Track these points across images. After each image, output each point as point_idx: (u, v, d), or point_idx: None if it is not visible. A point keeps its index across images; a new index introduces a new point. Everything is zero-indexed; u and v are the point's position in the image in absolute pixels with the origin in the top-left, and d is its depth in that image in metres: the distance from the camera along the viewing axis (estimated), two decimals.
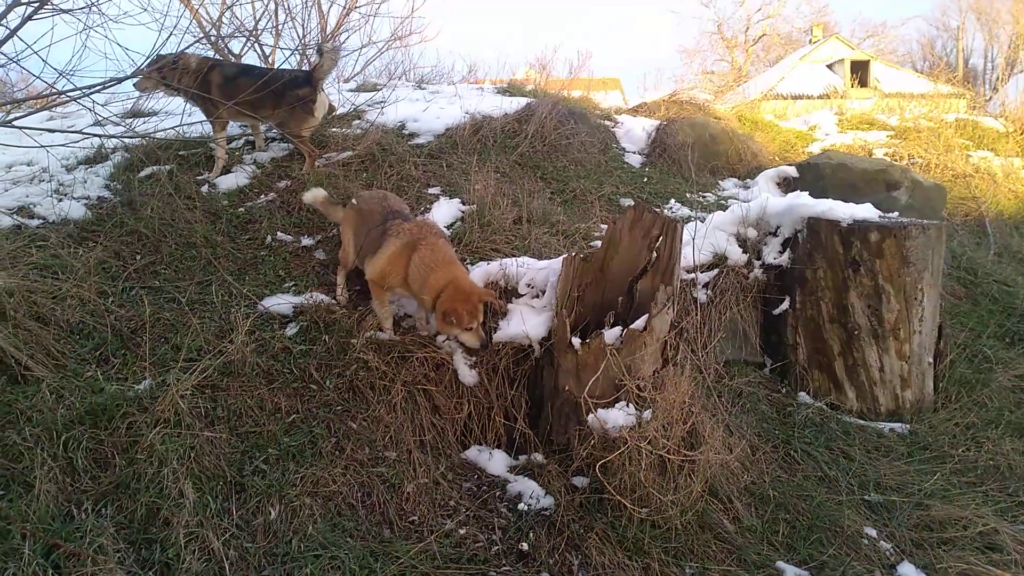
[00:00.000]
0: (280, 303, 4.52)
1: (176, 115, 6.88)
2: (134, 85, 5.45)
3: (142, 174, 5.84)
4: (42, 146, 4.18)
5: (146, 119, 7.31)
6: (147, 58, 4.93)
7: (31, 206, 5.19)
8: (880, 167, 7.90)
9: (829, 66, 35.93)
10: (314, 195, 5.16)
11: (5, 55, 4.10)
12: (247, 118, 5.99)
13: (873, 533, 3.96)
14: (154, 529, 3.04)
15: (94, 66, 4.84)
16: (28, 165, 6.05)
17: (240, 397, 3.77)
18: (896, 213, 5.81)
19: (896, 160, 9.35)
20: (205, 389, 3.73)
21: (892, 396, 5.03)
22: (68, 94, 4.13)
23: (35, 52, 3.99)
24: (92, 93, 4.20)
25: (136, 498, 3.10)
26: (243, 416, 3.71)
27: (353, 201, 4.82)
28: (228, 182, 5.90)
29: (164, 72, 5.44)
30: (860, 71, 33.67)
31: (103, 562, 2.77)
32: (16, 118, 4.23)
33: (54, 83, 4.12)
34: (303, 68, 7.72)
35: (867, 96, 17.04)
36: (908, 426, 4.90)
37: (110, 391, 3.52)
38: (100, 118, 4.81)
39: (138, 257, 4.78)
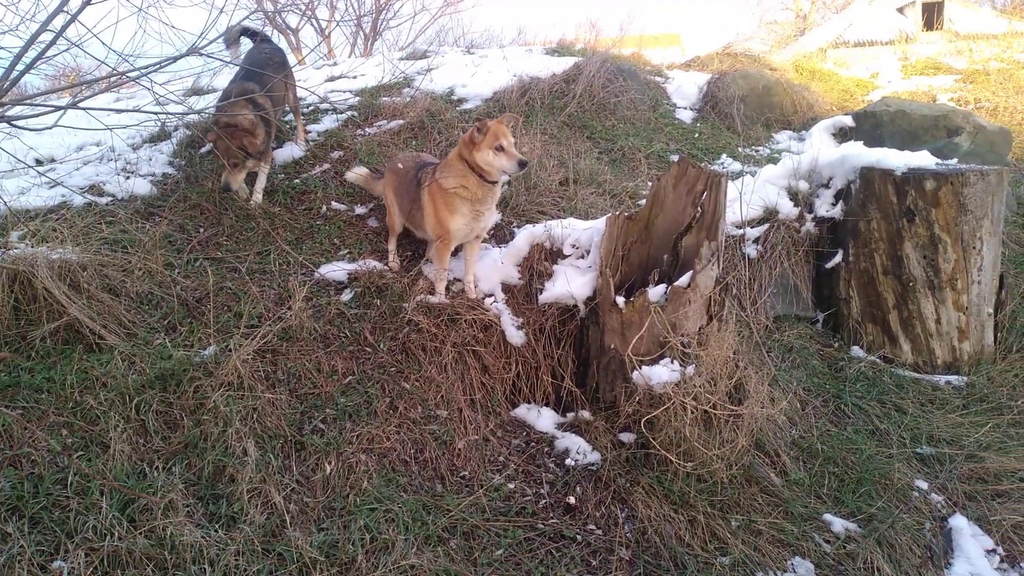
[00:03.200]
0: (335, 270, 4.68)
1: None
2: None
3: (203, 150, 6.06)
4: (108, 127, 4.37)
5: (204, 96, 7.56)
6: (200, 35, 5.08)
7: (101, 184, 5.46)
8: (941, 112, 7.61)
9: (899, 9, 34.19)
10: (356, 173, 5.38)
11: (68, 40, 4.31)
12: None
13: (924, 486, 3.96)
14: (220, 485, 3.25)
15: (152, 49, 5.05)
16: (97, 146, 6.34)
17: (298, 360, 3.96)
18: (955, 160, 5.63)
19: (961, 105, 8.97)
20: (266, 353, 3.92)
21: (949, 348, 4.94)
22: (128, 75, 4.30)
23: (95, 35, 4.18)
24: (150, 73, 4.36)
25: (203, 456, 3.32)
26: (301, 378, 3.89)
27: (388, 166, 4.99)
28: (283, 154, 6.07)
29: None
30: (932, 12, 31.98)
31: (173, 516, 2.99)
32: (83, 99, 4.44)
33: (116, 65, 4.31)
34: None
35: (937, 39, 16.26)
36: (965, 378, 4.81)
37: (178, 357, 3.74)
38: (160, 97, 4.99)
39: (201, 230, 5.00)
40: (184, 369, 3.64)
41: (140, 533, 2.90)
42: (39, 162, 5.94)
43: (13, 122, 4.00)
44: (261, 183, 5.31)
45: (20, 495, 2.99)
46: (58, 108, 4.10)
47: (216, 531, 3.04)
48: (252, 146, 4.90)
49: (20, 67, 4.00)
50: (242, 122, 4.88)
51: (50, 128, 4.08)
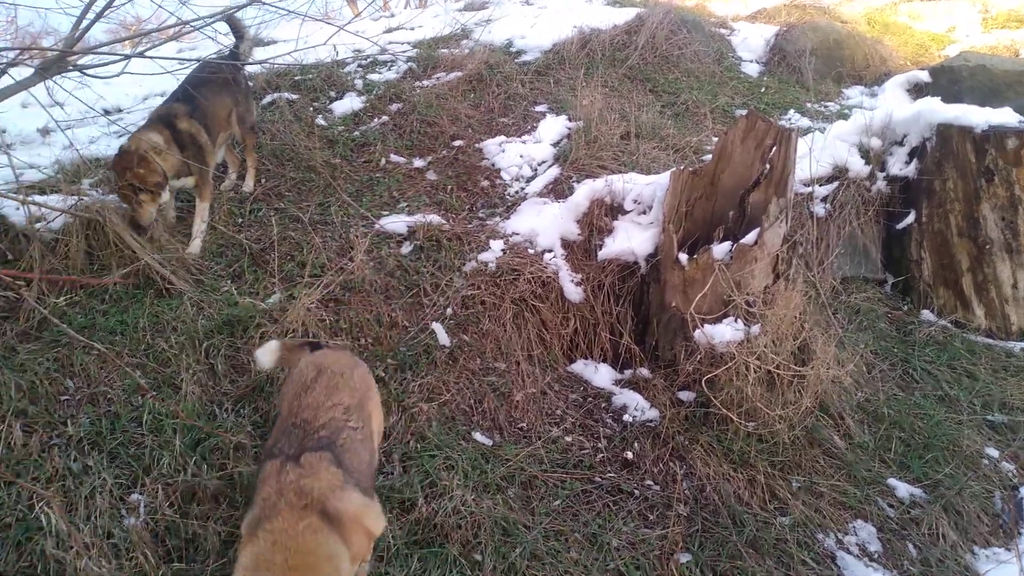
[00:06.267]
0: (395, 222, 4.69)
1: (292, 42, 7.10)
2: None
3: (264, 101, 6.11)
4: (169, 71, 4.40)
5: (265, 47, 7.60)
6: None
7: None
8: None
9: None
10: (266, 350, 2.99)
11: None
12: None
13: (995, 454, 3.85)
14: None
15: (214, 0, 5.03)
16: (161, 96, 6.44)
17: (360, 311, 4.00)
18: None
19: None
20: (329, 303, 3.98)
21: None
22: (192, 24, 4.34)
23: None
24: (214, 22, 4.40)
25: (269, 400, 3.40)
26: (363, 328, 3.94)
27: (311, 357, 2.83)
28: (343, 107, 6.08)
29: None
30: None
31: (242, 456, 3.08)
32: (148, 48, 4.49)
33: (177, 13, 4.34)
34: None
35: None
36: None
37: (244, 304, 3.82)
38: (222, 47, 5.02)
39: (264, 181, 5.06)
40: (250, 316, 3.72)
41: (211, 470, 3.00)
42: (107, 112, 6.06)
43: (84, 71, 4.07)
44: (198, 226, 4.32)
45: (99, 431, 3.12)
46: (127, 57, 4.16)
47: None
48: (143, 179, 3.94)
49: (90, 16, 4.06)
50: (136, 150, 3.99)
51: (117, 76, 4.14)
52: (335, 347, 2.80)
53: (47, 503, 2.73)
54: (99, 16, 4.17)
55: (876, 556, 3.33)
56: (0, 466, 2.87)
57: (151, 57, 4.16)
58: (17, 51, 4.10)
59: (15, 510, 2.79)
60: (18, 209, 4.10)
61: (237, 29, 5.04)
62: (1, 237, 3.96)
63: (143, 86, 6.67)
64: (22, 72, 4.18)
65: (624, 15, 8.05)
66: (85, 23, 4.12)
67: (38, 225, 3.99)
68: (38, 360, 3.39)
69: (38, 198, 4.18)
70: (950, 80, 7.17)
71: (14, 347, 3.46)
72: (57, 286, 3.81)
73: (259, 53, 6.66)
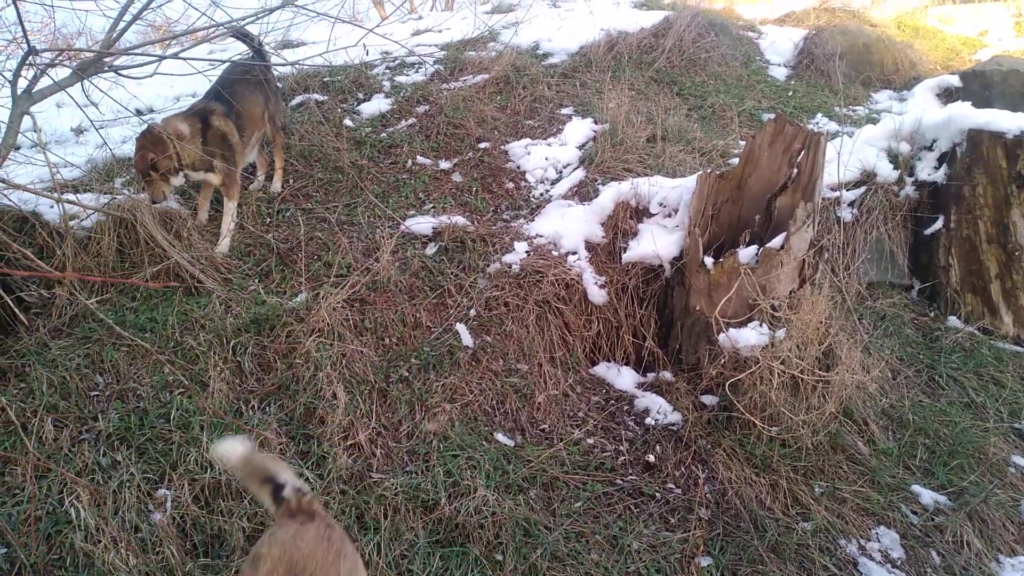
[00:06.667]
0: (420, 223, 4.73)
1: (322, 43, 7.18)
2: None
3: (294, 102, 6.19)
4: (200, 71, 4.48)
5: (295, 48, 7.69)
6: None
7: None
8: None
9: None
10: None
11: None
12: None
13: (1022, 462, 3.80)
14: (311, 426, 3.37)
15: (246, 2, 5.09)
16: (193, 96, 6.54)
17: (385, 311, 4.04)
18: None
19: None
20: (354, 303, 4.02)
21: None
22: (224, 25, 4.41)
23: None
24: (246, 23, 4.47)
25: (295, 398, 3.45)
26: (388, 328, 3.97)
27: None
28: (371, 108, 6.14)
29: None
30: None
31: (268, 453, 3.12)
32: (182, 50, 4.58)
33: (210, 14, 4.42)
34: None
35: None
36: None
37: (271, 303, 3.87)
38: (248, 51, 5.09)
39: (291, 181, 5.12)
40: (277, 314, 3.77)
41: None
42: (140, 112, 6.17)
43: (120, 71, 4.15)
44: (227, 224, 4.41)
45: (127, 426, 3.18)
46: (160, 58, 4.24)
47: (307, 469, 3.17)
48: (161, 163, 4.06)
49: (127, 18, 4.15)
50: (158, 134, 4.11)
51: (150, 76, 4.22)
52: (305, 512, 2.05)
53: (76, 496, 2.80)
54: (136, 17, 4.25)
55: (899, 563, 3.30)
56: (30, 457, 2.94)
57: (184, 58, 4.24)
58: (57, 53, 4.18)
59: (46, 503, 2.86)
60: (52, 207, 4.20)
61: (248, 41, 5.02)
62: (36, 234, 4.04)
63: (174, 87, 6.79)
64: (59, 73, 4.27)
65: (651, 18, 8.04)
66: (122, 25, 4.21)
67: (72, 223, 4.07)
68: (69, 356, 3.47)
69: (71, 196, 4.27)
70: (981, 85, 7.08)
71: (46, 343, 3.55)
72: (88, 285, 3.89)
73: (289, 55, 6.74)
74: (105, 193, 4.39)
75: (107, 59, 4.16)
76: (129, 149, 5.28)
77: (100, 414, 3.23)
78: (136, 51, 4.54)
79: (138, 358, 3.52)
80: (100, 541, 2.70)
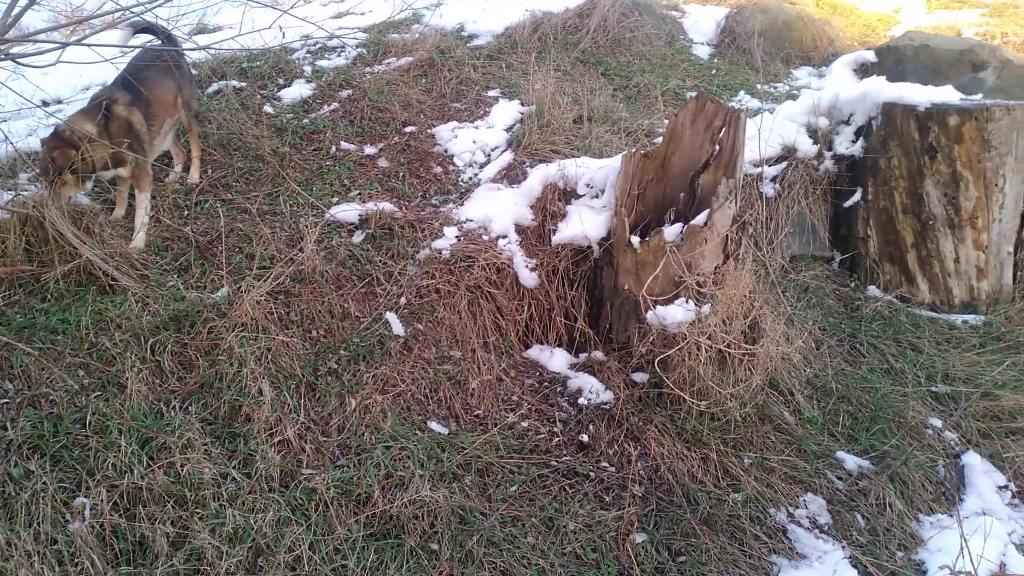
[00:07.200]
0: (346, 211, 4.63)
1: (236, 27, 6.94)
2: None
3: (210, 90, 5.97)
4: (107, 59, 4.27)
5: (210, 34, 7.42)
6: None
7: None
8: (966, 47, 7.36)
9: None
10: None
11: None
12: None
13: (938, 424, 3.96)
14: (236, 424, 3.28)
15: None
16: (102, 86, 6.26)
17: (311, 302, 3.94)
18: (980, 95, 5.47)
19: (988, 40, 8.67)
20: (279, 295, 3.91)
21: (967, 287, 4.88)
22: (132, 10, 4.21)
23: None
24: (154, 8, 4.28)
25: (219, 396, 3.34)
26: (315, 320, 3.89)
27: None
28: (291, 94, 5.96)
29: None
30: None
31: (191, 453, 3.03)
32: (88, 35, 4.35)
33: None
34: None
35: None
36: (982, 318, 4.77)
37: (191, 298, 3.73)
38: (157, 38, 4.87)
39: (210, 171, 4.95)
40: (198, 310, 3.64)
41: (160, 470, 2.94)
42: (46, 103, 5.87)
43: (17, 59, 3.93)
44: (140, 218, 4.21)
45: (40, 434, 3.03)
46: (63, 45, 4.02)
47: (234, 469, 3.08)
48: (64, 159, 3.86)
49: (22, 2, 3.92)
50: (67, 135, 3.93)
51: (53, 65, 4.00)
52: None
53: None
54: (31, 3, 4.03)
55: (826, 528, 3.41)
56: None
57: (88, 45, 4.02)
58: None
59: None
60: None
61: (154, 32, 4.74)
62: None
63: (83, 76, 6.47)
64: None
65: None
66: (17, 9, 3.98)
67: None
68: None
69: None
70: (895, 60, 7.31)
71: None
72: None
73: (203, 40, 6.50)
74: (9, 189, 4.16)
75: (2, 47, 3.93)
76: (34, 142, 5.02)
77: (10, 422, 3.07)
78: (36, 38, 4.30)
79: (50, 361, 3.36)
80: (12, 556, 2.57)
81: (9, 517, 2.71)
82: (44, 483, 2.82)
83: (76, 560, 2.63)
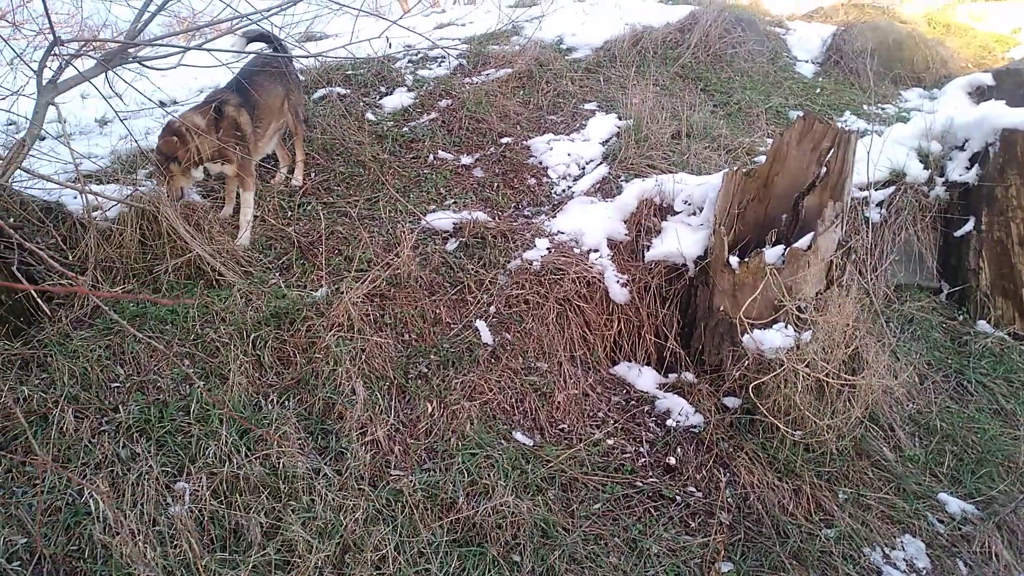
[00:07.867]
0: (441, 219, 4.70)
1: (344, 36, 7.16)
2: None
3: (316, 95, 6.17)
4: (223, 63, 4.48)
5: (317, 41, 7.68)
6: None
7: None
8: None
9: None
10: None
11: None
12: None
13: None
14: (329, 421, 3.36)
15: None
16: (215, 88, 6.55)
17: (405, 306, 4.01)
18: None
19: None
20: (374, 298, 4.00)
21: None
22: (249, 17, 4.41)
23: None
24: (270, 15, 4.46)
25: (314, 393, 3.44)
26: (408, 323, 3.95)
27: None
28: (393, 102, 6.11)
29: None
30: None
31: (286, 447, 3.11)
32: (206, 41, 4.58)
33: (231, 2, 4.41)
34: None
35: None
36: None
37: (291, 297, 3.86)
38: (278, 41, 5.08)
39: (313, 174, 5.11)
40: (297, 308, 3.76)
41: (256, 461, 3.04)
42: (163, 104, 6.19)
43: (144, 62, 4.15)
44: (245, 215, 4.40)
45: (147, 418, 3.17)
46: (184, 49, 4.24)
47: (326, 465, 3.15)
48: (180, 154, 4.07)
49: (151, 9, 4.15)
50: (179, 128, 4.12)
51: (173, 68, 4.22)
52: None
53: (97, 487, 2.80)
54: (160, 8, 4.27)
55: (924, 573, 3.23)
56: (49, 456, 2.94)
57: (207, 49, 4.24)
58: (82, 44, 4.19)
59: (65, 494, 2.86)
60: (76, 198, 4.21)
61: (266, 41, 4.98)
62: (59, 225, 4.06)
63: (198, 79, 6.79)
64: (84, 64, 4.28)
65: (677, 12, 7.94)
66: (146, 16, 4.22)
67: (95, 214, 4.08)
68: (91, 347, 3.47)
69: (95, 187, 4.28)
70: (1016, 83, 6.91)
71: (68, 334, 3.55)
72: (111, 275, 3.90)
73: (312, 48, 6.73)
74: (128, 184, 4.39)
75: (131, 50, 4.16)
76: (152, 140, 5.29)
77: (120, 405, 3.23)
78: (160, 43, 4.55)
79: (158, 349, 3.52)
80: (118, 533, 2.69)
81: (116, 496, 2.84)
82: (150, 466, 2.95)
83: (175, 542, 2.74)
